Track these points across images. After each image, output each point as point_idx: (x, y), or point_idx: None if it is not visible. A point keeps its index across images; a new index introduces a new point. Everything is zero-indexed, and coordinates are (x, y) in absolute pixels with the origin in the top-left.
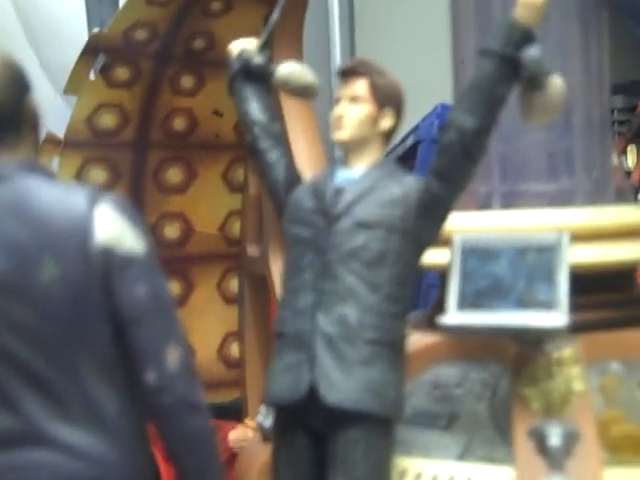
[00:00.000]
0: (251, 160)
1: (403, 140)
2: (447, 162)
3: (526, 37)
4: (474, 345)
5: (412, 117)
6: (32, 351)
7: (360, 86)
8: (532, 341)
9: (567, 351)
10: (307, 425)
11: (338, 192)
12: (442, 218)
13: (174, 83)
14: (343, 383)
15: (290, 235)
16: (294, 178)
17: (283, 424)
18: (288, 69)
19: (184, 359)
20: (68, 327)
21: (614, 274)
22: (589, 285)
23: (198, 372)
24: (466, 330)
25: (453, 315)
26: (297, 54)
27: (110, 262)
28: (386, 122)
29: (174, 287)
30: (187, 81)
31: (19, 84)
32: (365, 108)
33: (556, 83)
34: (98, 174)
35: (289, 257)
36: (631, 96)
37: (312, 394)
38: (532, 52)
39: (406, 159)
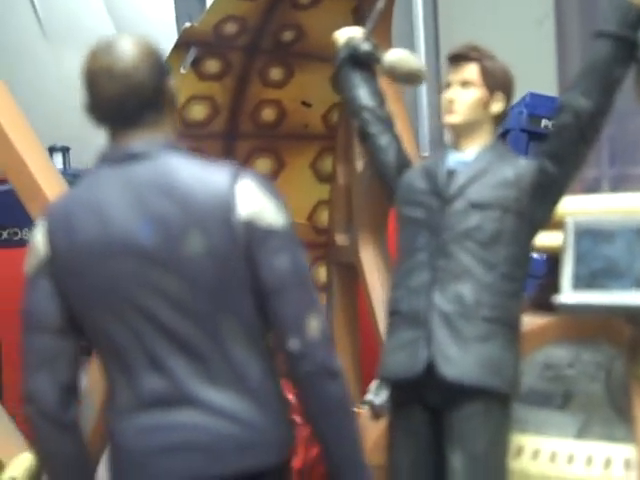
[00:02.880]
0: (361, 144)
1: None
2: (562, 144)
3: None
4: (586, 327)
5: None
6: (181, 318)
7: (471, 71)
8: None
9: None
10: (423, 401)
11: (451, 174)
12: (555, 199)
13: (263, 75)
14: (461, 359)
15: (403, 216)
16: (404, 161)
17: (399, 400)
18: (396, 55)
19: (323, 327)
20: (214, 296)
21: None
22: None
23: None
24: (583, 309)
25: (569, 295)
26: (387, 42)
27: (252, 235)
28: (496, 106)
29: None
30: (276, 73)
31: (160, 67)
32: (476, 92)
33: None
34: None
35: (402, 238)
36: None
37: (429, 370)
38: None
39: None
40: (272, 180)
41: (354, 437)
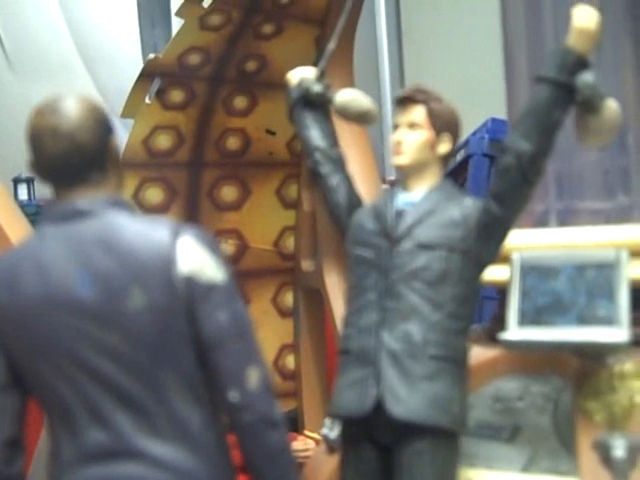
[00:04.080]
0: (313, 184)
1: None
2: (505, 185)
3: (580, 63)
4: (535, 359)
5: (462, 131)
6: (123, 372)
7: (418, 113)
8: (594, 355)
9: (629, 365)
10: (373, 437)
11: (399, 215)
12: (501, 238)
13: (227, 104)
14: (409, 397)
15: (353, 256)
16: (355, 201)
17: (350, 436)
18: (347, 96)
19: (264, 379)
20: (155, 350)
21: None
22: None
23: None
24: (528, 346)
25: (514, 331)
26: (348, 80)
27: (193, 290)
28: (443, 147)
29: None
30: (240, 102)
31: (104, 126)
32: (423, 134)
33: (611, 107)
34: (155, 194)
35: (352, 277)
36: None
37: (378, 408)
38: (586, 77)
39: (457, 173)
40: (238, 208)
41: None
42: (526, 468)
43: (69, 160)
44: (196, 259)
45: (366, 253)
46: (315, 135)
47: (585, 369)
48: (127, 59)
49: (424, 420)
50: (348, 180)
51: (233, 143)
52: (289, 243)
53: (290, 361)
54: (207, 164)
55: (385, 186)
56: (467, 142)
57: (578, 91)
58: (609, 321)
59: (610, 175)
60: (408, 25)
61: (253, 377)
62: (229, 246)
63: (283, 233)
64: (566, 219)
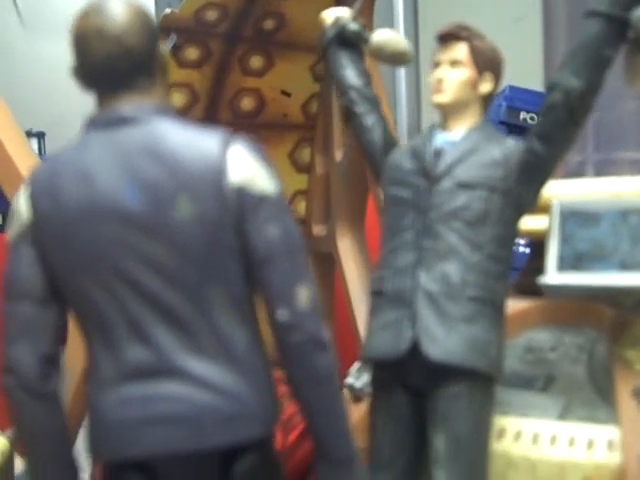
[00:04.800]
0: (346, 125)
1: None
2: (551, 123)
3: None
4: (567, 310)
5: None
6: (166, 286)
7: (460, 50)
8: (630, 305)
9: None
10: (406, 381)
11: (438, 154)
12: (543, 180)
13: (243, 63)
14: (446, 339)
15: (389, 196)
16: (391, 141)
17: (382, 381)
18: (384, 36)
19: (313, 298)
20: (202, 264)
21: None
22: None
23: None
24: (567, 290)
25: (554, 276)
26: (369, 23)
27: (243, 202)
28: (485, 86)
29: None
30: (256, 61)
31: (152, 32)
32: (465, 72)
33: None
34: None
35: (388, 218)
36: None
37: (413, 350)
38: (639, 13)
39: None
40: None
41: (341, 410)
42: (562, 416)
43: (115, 63)
44: (247, 169)
45: (403, 193)
46: (350, 74)
47: (621, 319)
48: None
49: (461, 362)
50: (383, 120)
51: (247, 103)
52: (300, 207)
53: None
54: (220, 124)
55: None
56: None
57: (631, 26)
58: None
59: None
60: None
61: (303, 296)
62: None
63: (295, 197)
64: (603, 170)
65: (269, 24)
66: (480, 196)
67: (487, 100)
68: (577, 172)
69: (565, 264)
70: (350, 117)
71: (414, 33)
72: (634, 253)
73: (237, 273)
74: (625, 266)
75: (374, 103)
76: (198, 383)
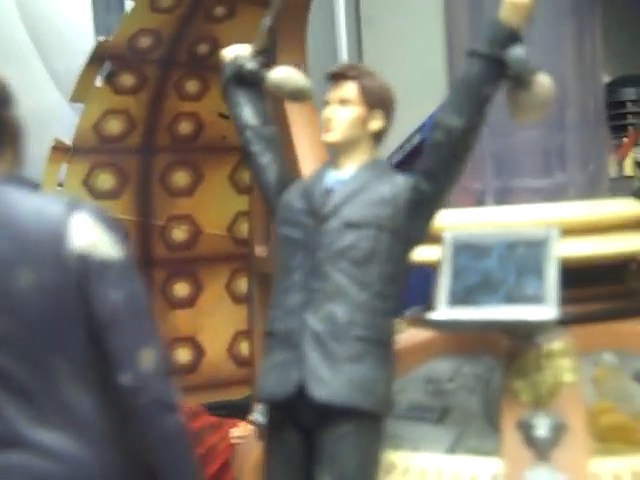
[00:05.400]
0: (246, 163)
1: (409, 139)
2: (435, 161)
3: (511, 37)
4: (468, 340)
5: (419, 115)
6: (9, 357)
7: (349, 89)
8: (523, 334)
9: (557, 343)
10: (298, 422)
11: (327, 193)
12: (430, 216)
13: (179, 88)
14: (332, 380)
15: (281, 236)
16: (286, 180)
17: (275, 421)
18: (280, 74)
19: (159, 361)
20: (43, 333)
21: (608, 267)
22: (584, 278)
23: (171, 374)
24: (455, 325)
25: (443, 311)
26: (300, 59)
27: (86, 268)
28: (375, 123)
29: (184, 288)
30: (192, 85)
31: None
32: (354, 110)
33: (543, 82)
34: (106, 179)
35: (280, 258)
36: None
37: (301, 391)
38: (517, 51)
39: (412, 157)
40: (191, 193)
41: (191, 468)
42: (452, 449)
43: None
44: (90, 235)
45: (293, 232)
46: (247, 113)
47: (515, 348)
48: (80, 44)
49: (347, 402)
50: (280, 159)
51: (185, 127)
52: (243, 228)
53: (244, 348)
54: (159, 149)
55: None
56: (423, 126)
57: (508, 65)
58: (537, 299)
59: (547, 153)
60: (367, 8)
61: (147, 358)
62: (182, 232)
63: (237, 218)
64: (503, 198)
65: (203, 48)
66: (368, 235)
67: (378, 138)
68: (479, 200)
69: (455, 298)
70: (246, 156)
71: (357, 52)
72: (520, 286)
73: (81, 339)
74: (511, 299)
75: (270, 142)
76: (39, 452)
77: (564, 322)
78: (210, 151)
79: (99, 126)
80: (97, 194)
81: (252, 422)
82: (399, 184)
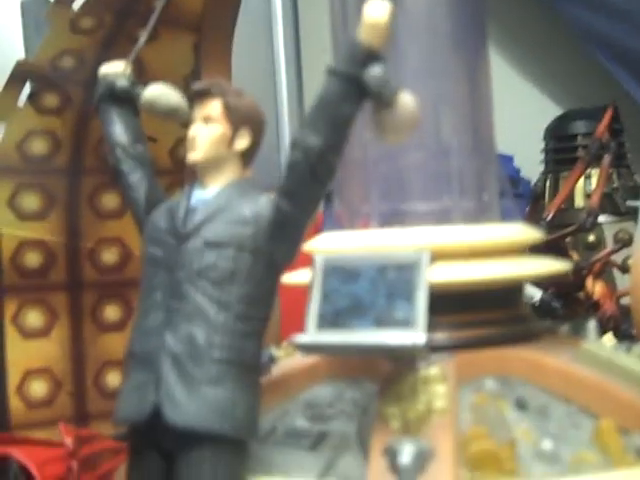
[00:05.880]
0: (116, 183)
1: None
2: (294, 182)
3: (370, 56)
4: (352, 365)
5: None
6: None
7: (213, 106)
8: (402, 359)
9: (434, 369)
10: (158, 446)
11: (190, 212)
12: (295, 238)
13: None
14: (188, 403)
15: (146, 255)
16: (155, 200)
17: (135, 445)
18: (154, 92)
19: None
20: None
21: (497, 291)
22: (471, 303)
23: None
24: (322, 349)
25: (310, 334)
26: (226, 77)
27: None
28: (242, 142)
29: (114, 311)
30: None
31: None
32: (218, 128)
33: (405, 101)
34: (32, 200)
35: (143, 277)
36: (595, 121)
37: (158, 414)
38: (375, 70)
39: None
40: (120, 216)
41: None
42: (322, 475)
43: None
44: None
45: (156, 251)
46: (117, 131)
47: (393, 373)
48: (9, 65)
49: (202, 426)
50: (150, 178)
51: None
52: None
53: None
54: (87, 170)
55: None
56: None
57: (367, 85)
58: (406, 323)
59: (435, 176)
60: (306, 30)
61: None
62: (112, 255)
63: None
64: (390, 221)
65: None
66: (227, 255)
67: (246, 157)
68: (364, 223)
69: (324, 322)
70: (116, 175)
71: (296, 77)
72: (390, 310)
73: None
74: (380, 323)
75: (141, 160)
76: None
77: (449, 347)
78: None
79: (23, 146)
80: (23, 215)
81: None
82: (261, 204)
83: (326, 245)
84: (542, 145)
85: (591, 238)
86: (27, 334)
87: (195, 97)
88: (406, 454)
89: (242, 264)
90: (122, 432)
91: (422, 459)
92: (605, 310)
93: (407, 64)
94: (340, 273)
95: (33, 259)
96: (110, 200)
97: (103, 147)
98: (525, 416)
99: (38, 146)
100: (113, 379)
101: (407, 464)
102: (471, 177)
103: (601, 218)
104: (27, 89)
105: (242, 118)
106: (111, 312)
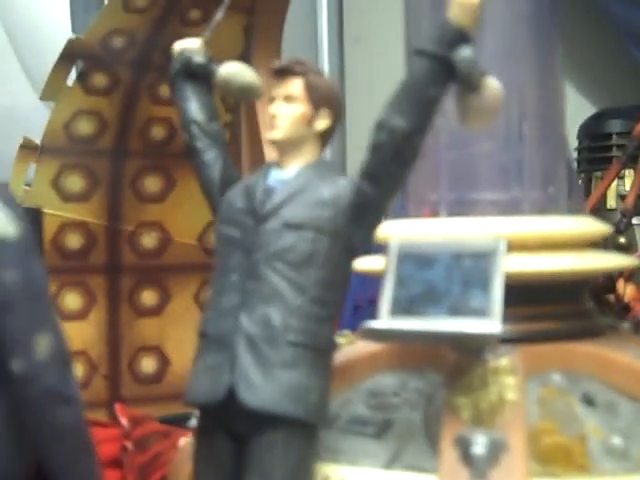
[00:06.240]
0: (188, 160)
1: None
2: (378, 164)
3: (460, 37)
4: (414, 354)
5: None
6: None
7: (295, 85)
8: (471, 349)
9: (504, 360)
10: (229, 428)
11: (268, 192)
12: (374, 221)
13: (153, 91)
14: (263, 385)
15: (221, 235)
16: (230, 179)
17: (205, 426)
18: (229, 69)
19: (56, 348)
20: None
21: (562, 285)
22: (537, 296)
23: (71, 363)
24: (396, 336)
25: (384, 321)
26: (276, 55)
27: None
28: (321, 123)
29: (151, 296)
30: (166, 90)
31: None
32: (300, 107)
33: (492, 86)
34: (75, 181)
35: (218, 257)
36: (631, 121)
37: (232, 396)
38: (465, 52)
39: None
40: (162, 199)
41: (87, 471)
42: (389, 464)
43: None
44: None
45: (233, 232)
46: (193, 107)
47: (460, 364)
48: (57, 43)
49: (277, 409)
50: (225, 157)
51: (158, 132)
52: (213, 238)
53: None
54: (131, 153)
55: None
56: None
57: (456, 67)
58: (481, 312)
59: (504, 166)
60: (350, 20)
61: (43, 345)
62: (151, 239)
63: (208, 228)
64: (458, 210)
65: None
66: (306, 237)
67: (325, 137)
68: (432, 211)
69: (398, 308)
70: (190, 152)
71: (339, 66)
72: (465, 298)
73: None
74: (455, 311)
75: (216, 138)
76: None
77: (515, 340)
78: (183, 158)
79: (69, 126)
80: (66, 196)
81: (190, 429)
82: (341, 186)
83: (398, 232)
84: (576, 144)
85: (622, 240)
86: (65, 316)
87: (276, 74)
88: (480, 445)
89: (320, 247)
90: (188, 402)
91: (496, 451)
92: (636, 313)
93: (481, 48)
94: (415, 259)
95: (74, 241)
96: (152, 184)
97: (149, 130)
98: (593, 412)
99: (84, 126)
100: (147, 364)
101: (481, 455)
102: (540, 167)
103: (633, 220)
104: (76, 69)
105: (323, 98)
106: (148, 297)
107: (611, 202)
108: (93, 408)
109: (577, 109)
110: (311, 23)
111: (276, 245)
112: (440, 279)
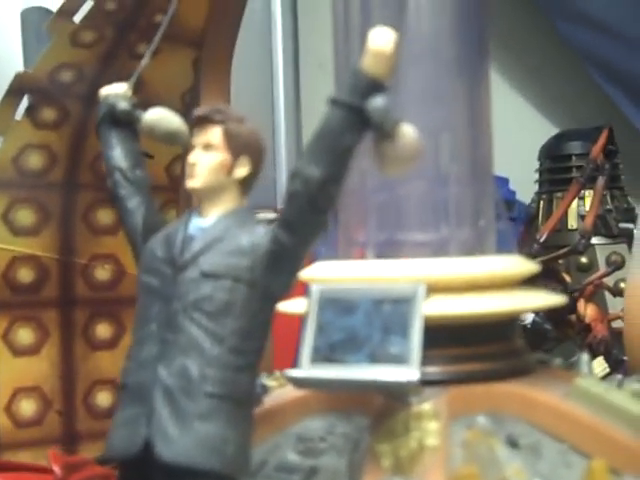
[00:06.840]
0: (113, 207)
1: None
2: (294, 212)
3: (373, 87)
4: (343, 398)
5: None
6: None
7: (214, 134)
8: (389, 395)
9: (427, 405)
10: None
11: (188, 240)
12: (292, 270)
13: None
14: (179, 438)
15: (141, 284)
16: (153, 226)
17: (124, 478)
18: (154, 116)
19: None
20: None
21: (491, 325)
22: (465, 337)
23: None
24: (315, 384)
25: (304, 369)
26: (224, 93)
27: None
28: (241, 170)
29: (105, 329)
30: None
31: None
32: (218, 156)
33: (407, 134)
34: (26, 215)
35: (138, 307)
36: (590, 142)
37: (149, 449)
38: (377, 101)
39: None
40: (115, 232)
41: None
42: None
43: None
44: None
45: (153, 281)
46: (117, 154)
47: (386, 408)
48: (8, 75)
49: (191, 462)
50: (148, 204)
51: None
52: None
53: None
54: (82, 186)
55: (271, 215)
56: None
57: (369, 116)
58: (400, 359)
59: (433, 206)
60: (306, 49)
61: None
62: (105, 272)
63: None
64: (386, 251)
65: None
66: (224, 286)
67: (245, 185)
68: (361, 253)
69: (318, 355)
70: (114, 199)
71: (295, 101)
72: (385, 344)
73: None
74: (375, 358)
75: (140, 185)
76: None
77: (443, 381)
78: None
79: (18, 160)
80: (17, 230)
81: None
82: (259, 234)
83: (322, 274)
84: (537, 165)
85: (583, 260)
86: (17, 351)
87: (196, 123)
88: None
89: (238, 296)
90: (106, 457)
91: None
92: (596, 333)
93: (408, 90)
94: (336, 305)
95: (25, 275)
96: (105, 216)
97: (99, 163)
98: (516, 454)
99: (34, 160)
100: (103, 398)
101: None
102: (468, 205)
103: (594, 240)
104: (25, 102)
105: (242, 146)
106: (102, 330)
107: (572, 222)
108: (47, 445)
109: (538, 130)
110: (266, 52)
111: (194, 294)
112: (361, 325)
